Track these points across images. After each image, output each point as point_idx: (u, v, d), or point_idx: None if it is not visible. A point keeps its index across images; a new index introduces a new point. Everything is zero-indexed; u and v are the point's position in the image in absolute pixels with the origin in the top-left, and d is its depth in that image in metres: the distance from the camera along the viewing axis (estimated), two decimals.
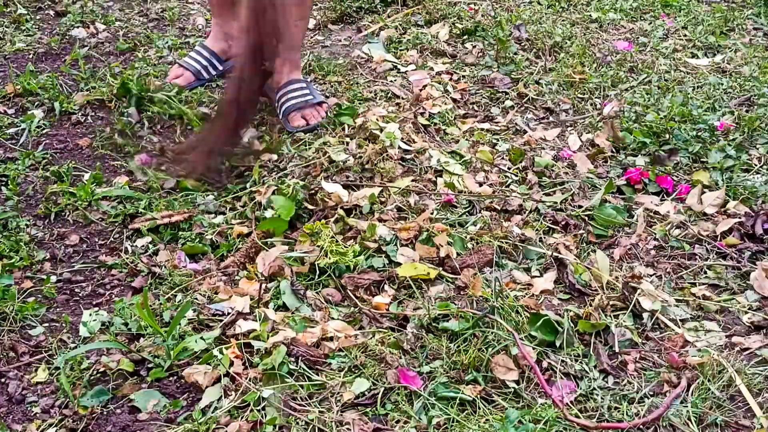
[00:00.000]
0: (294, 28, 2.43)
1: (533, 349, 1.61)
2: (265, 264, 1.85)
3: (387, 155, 2.16)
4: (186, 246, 1.93)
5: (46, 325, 1.73)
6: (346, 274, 1.82)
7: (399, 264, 1.85)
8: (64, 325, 1.73)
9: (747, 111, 2.44)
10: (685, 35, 3.03)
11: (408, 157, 2.22)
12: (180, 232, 1.98)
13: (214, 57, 2.63)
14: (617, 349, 1.64)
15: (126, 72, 2.58)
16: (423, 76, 2.68)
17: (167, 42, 2.93)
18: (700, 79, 2.66)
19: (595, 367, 1.59)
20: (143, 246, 1.95)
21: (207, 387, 1.56)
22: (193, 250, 1.93)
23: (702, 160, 2.23)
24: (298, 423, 1.48)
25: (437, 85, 2.63)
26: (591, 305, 1.72)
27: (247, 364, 1.61)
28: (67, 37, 2.94)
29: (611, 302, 1.74)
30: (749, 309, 1.74)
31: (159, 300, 1.78)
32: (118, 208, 2.05)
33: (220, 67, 2.64)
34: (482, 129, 2.41)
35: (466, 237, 1.92)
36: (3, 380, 1.59)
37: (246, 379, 1.56)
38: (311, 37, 3.04)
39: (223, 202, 2.09)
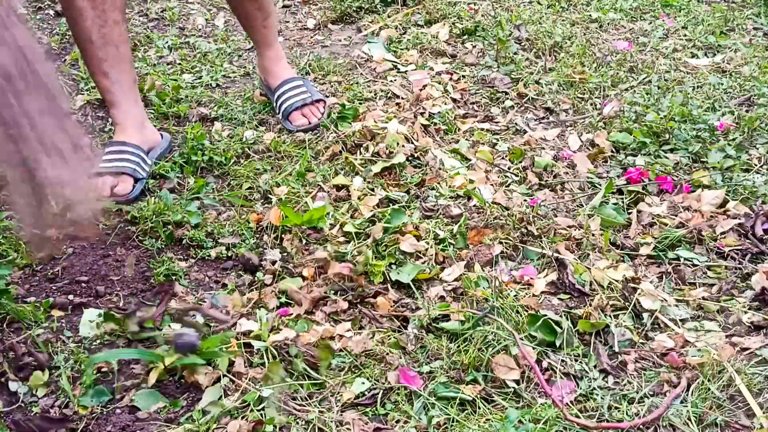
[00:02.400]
0: (263, 29, 2.41)
1: (533, 349, 1.61)
2: None
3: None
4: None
5: (46, 325, 1.72)
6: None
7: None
8: (64, 325, 1.73)
9: (747, 111, 2.44)
10: (685, 35, 3.03)
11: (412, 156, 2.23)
12: (181, 230, 1.98)
13: (141, 151, 2.18)
14: (617, 349, 1.64)
15: None
16: (423, 76, 2.68)
17: (167, 42, 2.93)
18: (700, 79, 2.66)
19: (595, 367, 1.60)
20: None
21: (207, 387, 1.56)
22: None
23: (702, 160, 2.23)
24: (298, 423, 1.48)
25: (437, 85, 2.63)
26: (591, 305, 1.72)
27: (247, 364, 1.61)
28: (67, 37, 2.94)
29: (611, 302, 1.74)
30: (749, 309, 1.74)
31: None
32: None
33: (150, 162, 2.22)
34: (482, 129, 2.42)
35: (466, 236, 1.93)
36: (3, 380, 1.59)
37: (246, 379, 1.56)
38: (311, 37, 3.04)
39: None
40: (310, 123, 2.41)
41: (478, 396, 1.52)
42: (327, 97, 2.58)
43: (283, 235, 1.96)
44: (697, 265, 1.87)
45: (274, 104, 2.47)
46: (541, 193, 2.12)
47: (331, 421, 1.47)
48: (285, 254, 1.93)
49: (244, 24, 2.44)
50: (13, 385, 1.57)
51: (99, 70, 2.10)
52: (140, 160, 2.16)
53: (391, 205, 2.06)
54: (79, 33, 2.05)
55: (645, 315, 1.72)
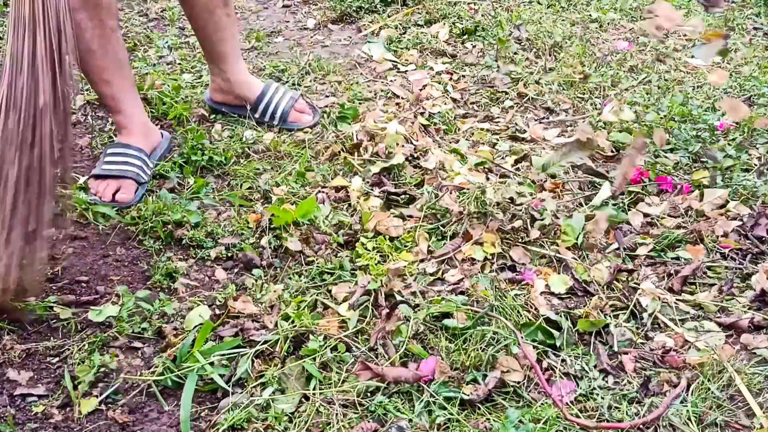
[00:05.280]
0: (232, 39, 2.34)
1: (534, 348, 1.61)
2: None
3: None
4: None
5: (46, 324, 1.72)
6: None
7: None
8: (64, 324, 1.72)
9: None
10: (685, 35, 3.03)
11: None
12: (181, 230, 1.98)
13: (144, 154, 2.18)
14: (617, 349, 1.64)
15: None
16: (423, 76, 2.69)
17: (167, 42, 2.93)
18: (700, 79, 2.66)
19: (595, 366, 1.59)
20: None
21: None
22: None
23: (702, 160, 2.23)
24: (298, 423, 1.48)
25: (437, 84, 2.63)
26: (591, 305, 1.72)
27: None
28: None
29: (611, 302, 1.74)
30: (749, 309, 1.74)
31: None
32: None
33: (152, 165, 2.21)
34: (482, 129, 2.41)
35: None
36: (3, 379, 1.59)
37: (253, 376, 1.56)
38: (311, 37, 3.04)
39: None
40: (314, 117, 2.44)
41: (478, 396, 1.52)
42: (327, 96, 2.58)
43: (283, 234, 1.96)
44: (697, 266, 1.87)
45: (259, 114, 2.42)
46: (542, 194, 2.12)
47: (332, 420, 1.47)
48: (283, 254, 1.92)
49: (213, 38, 2.30)
50: (13, 384, 1.57)
51: (100, 78, 2.09)
52: (143, 164, 2.15)
53: (391, 205, 2.07)
54: (78, 45, 2.02)
55: (645, 315, 1.72)
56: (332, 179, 2.16)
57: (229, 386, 1.56)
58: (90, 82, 2.14)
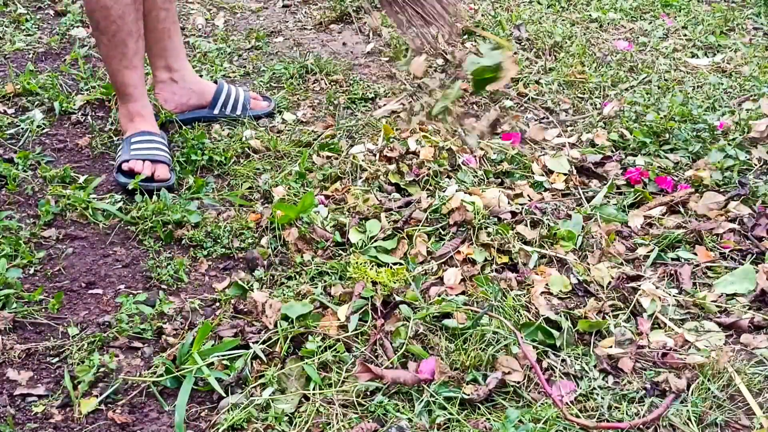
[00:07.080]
0: (180, 35, 2.34)
1: (534, 348, 1.61)
2: None
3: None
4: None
5: (46, 324, 1.72)
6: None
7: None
8: (66, 324, 1.73)
9: (747, 111, 2.44)
10: (685, 35, 3.03)
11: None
12: (181, 230, 1.98)
13: (166, 140, 2.23)
14: (614, 351, 1.64)
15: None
16: None
17: None
18: (700, 79, 2.66)
19: (595, 366, 1.59)
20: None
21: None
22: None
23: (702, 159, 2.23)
24: (298, 423, 1.48)
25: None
26: (590, 306, 1.72)
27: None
28: (67, 36, 2.94)
29: (611, 302, 1.74)
30: (749, 309, 1.74)
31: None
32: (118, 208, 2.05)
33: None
34: None
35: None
36: (3, 379, 1.59)
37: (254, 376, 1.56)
38: (311, 37, 3.04)
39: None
40: (270, 103, 2.51)
41: (479, 395, 1.52)
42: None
43: (282, 233, 1.96)
44: (697, 265, 1.87)
45: (219, 109, 2.43)
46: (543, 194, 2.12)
47: (332, 420, 1.47)
48: (283, 254, 1.92)
49: (171, 30, 2.28)
50: (13, 384, 1.57)
51: (131, 63, 2.11)
52: (168, 150, 2.18)
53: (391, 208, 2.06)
54: (121, 28, 2.05)
55: (645, 315, 1.72)
56: (332, 179, 2.16)
57: (228, 390, 1.56)
58: (116, 70, 2.13)
